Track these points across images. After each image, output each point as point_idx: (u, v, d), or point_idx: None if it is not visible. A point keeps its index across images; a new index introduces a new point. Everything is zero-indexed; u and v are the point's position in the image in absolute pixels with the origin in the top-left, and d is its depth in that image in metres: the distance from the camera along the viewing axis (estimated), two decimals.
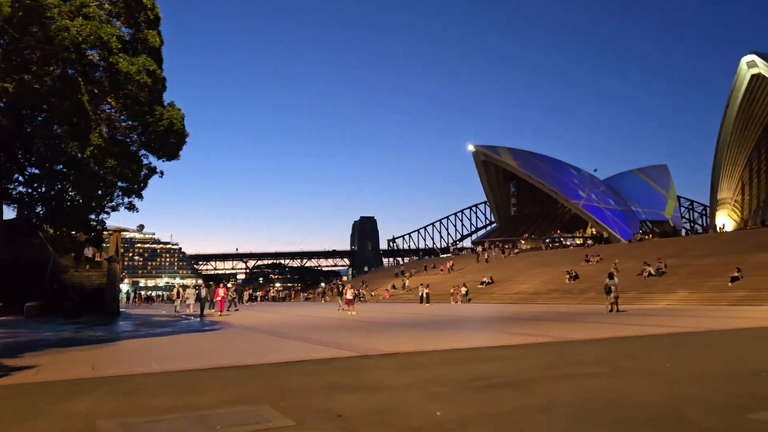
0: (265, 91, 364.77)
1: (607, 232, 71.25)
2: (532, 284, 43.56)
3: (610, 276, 24.49)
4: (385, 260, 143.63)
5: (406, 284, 50.13)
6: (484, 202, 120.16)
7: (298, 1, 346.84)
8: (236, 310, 34.67)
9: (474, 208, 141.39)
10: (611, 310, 23.50)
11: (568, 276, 40.95)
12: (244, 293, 59.14)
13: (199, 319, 27.06)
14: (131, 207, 18.97)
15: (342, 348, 12.19)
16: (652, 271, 35.74)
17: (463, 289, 43.15)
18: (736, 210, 76.91)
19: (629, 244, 53.80)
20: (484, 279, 48.54)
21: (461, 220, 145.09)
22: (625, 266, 40.12)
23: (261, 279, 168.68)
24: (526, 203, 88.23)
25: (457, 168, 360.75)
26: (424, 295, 43.18)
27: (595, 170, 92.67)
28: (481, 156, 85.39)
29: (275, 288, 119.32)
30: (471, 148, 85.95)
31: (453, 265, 61.38)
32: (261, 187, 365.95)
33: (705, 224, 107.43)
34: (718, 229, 69.07)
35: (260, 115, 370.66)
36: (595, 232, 77.67)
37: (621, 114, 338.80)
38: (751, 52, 68.19)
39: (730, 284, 29.90)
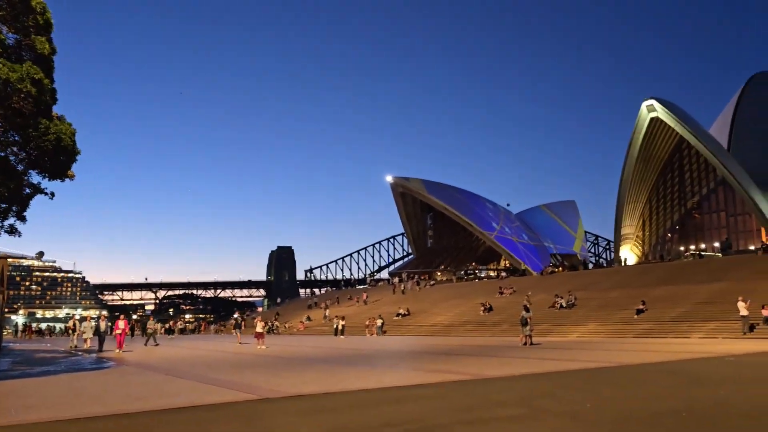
0: (178, 114, 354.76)
1: (520, 264, 73.02)
2: (448, 316, 43.47)
3: (526, 308, 24.49)
4: (302, 291, 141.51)
5: (327, 314, 49.04)
6: (402, 234, 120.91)
7: (205, 29, 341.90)
8: (156, 344, 32.10)
9: (392, 240, 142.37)
10: (525, 343, 23.41)
11: (482, 308, 41.12)
12: (151, 325, 55.49)
13: (95, 355, 24.75)
14: (12, 231, 17.04)
15: (242, 390, 11.04)
16: (564, 304, 36.43)
17: (379, 321, 42.44)
18: (638, 245, 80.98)
19: (541, 277, 55.16)
20: (400, 311, 48.07)
21: (379, 252, 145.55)
22: (538, 298, 40.78)
23: (171, 310, 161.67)
24: (443, 235, 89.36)
25: (376, 199, 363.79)
26: (339, 328, 42.12)
27: (508, 204, 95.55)
28: (399, 187, 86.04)
29: (185, 319, 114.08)
30: (389, 179, 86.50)
31: (368, 296, 60.69)
32: (173, 215, 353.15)
33: (609, 258, 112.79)
34: (621, 263, 72.30)
35: (172, 138, 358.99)
36: (508, 265, 79.43)
37: (534, 152, 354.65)
38: (651, 97, 72.82)
39: (635, 316, 30.78)
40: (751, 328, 24.79)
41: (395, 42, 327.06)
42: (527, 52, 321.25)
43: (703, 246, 73.51)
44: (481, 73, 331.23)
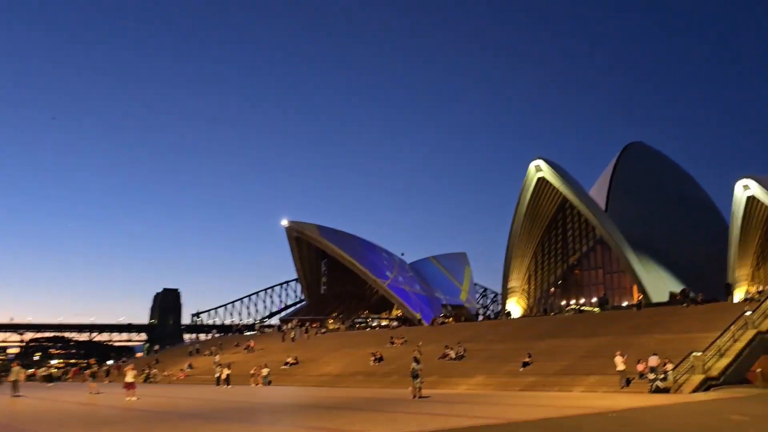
0: (56, 141, 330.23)
1: (411, 314, 73.37)
2: (337, 366, 42.32)
3: (416, 360, 24.07)
4: (187, 336, 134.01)
5: (217, 360, 46.35)
6: (296, 279, 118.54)
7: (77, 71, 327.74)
8: (17, 395, 28.30)
9: (285, 285, 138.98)
10: (415, 396, 22.87)
11: (373, 358, 40.38)
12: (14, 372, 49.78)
13: None
14: None
15: None
16: (453, 355, 36.47)
17: (265, 371, 40.51)
18: (524, 298, 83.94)
19: (431, 327, 55.43)
20: (289, 359, 46.32)
21: (271, 297, 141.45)
22: (428, 349, 40.64)
23: (39, 354, 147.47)
24: (337, 282, 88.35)
25: (270, 242, 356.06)
26: (222, 377, 39.83)
27: (402, 254, 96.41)
28: (294, 232, 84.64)
29: (50, 365, 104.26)
30: (284, 223, 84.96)
31: (255, 343, 58.31)
32: (46, 252, 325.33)
33: (496, 310, 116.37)
34: (508, 316, 74.48)
35: (40, 167, 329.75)
36: (401, 314, 79.59)
37: (428, 204, 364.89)
38: (539, 158, 76.71)
39: (521, 369, 31.23)
40: (628, 382, 25.73)
41: (289, 85, 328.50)
42: (420, 101, 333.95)
43: (582, 301, 77.33)
44: (375, 121, 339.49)
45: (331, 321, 76.67)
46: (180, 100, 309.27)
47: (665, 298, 66.81)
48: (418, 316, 72.39)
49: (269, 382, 39.94)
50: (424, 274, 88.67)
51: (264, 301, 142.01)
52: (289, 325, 71.98)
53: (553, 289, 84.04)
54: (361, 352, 44.24)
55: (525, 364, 31.58)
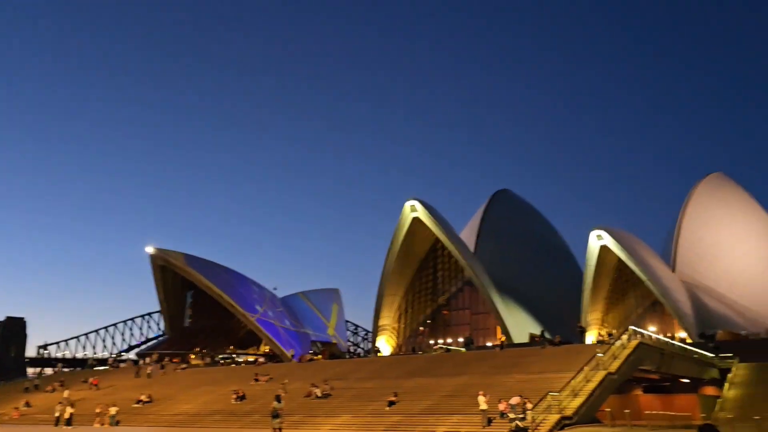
0: None
1: (280, 350, 71.17)
2: (195, 404, 39.55)
3: (278, 399, 22.79)
4: (31, 370, 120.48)
5: (66, 396, 41.57)
6: (160, 311, 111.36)
7: None
8: None
9: (147, 317, 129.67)
10: None
11: (234, 396, 38.16)
12: None
13: None
14: None
15: None
16: (319, 393, 35.30)
17: (113, 409, 36.94)
18: (394, 336, 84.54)
19: (299, 364, 53.74)
20: (142, 397, 42.66)
21: (131, 329, 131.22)
22: (294, 387, 39.14)
23: None
24: (203, 315, 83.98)
25: (132, 271, 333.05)
26: (63, 416, 35.87)
27: (275, 288, 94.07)
28: (159, 260, 79.72)
29: None
30: (149, 250, 79.82)
31: (105, 379, 53.49)
32: None
33: (367, 348, 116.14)
34: (378, 354, 74.43)
35: None
36: (269, 350, 76.93)
37: (305, 239, 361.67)
38: (414, 198, 78.63)
39: (387, 408, 30.74)
40: (489, 421, 26.02)
41: (154, 108, 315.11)
42: (296, 138, 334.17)
43: (450, 341, 79.14)
44: (254, 153, 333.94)
45: (193, 356, 72.36)
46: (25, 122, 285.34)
47: (526, 339, 70.18)
48: (291, 353, 70.29)
49: (117, 423, 36.50)
50: (294, 309, 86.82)
51: (123, 334, 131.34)
52: (147, 359, 66.95)
53: (422, 328, 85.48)
54: (223, 389, 41.80)
55: (391, 403, 31.13)
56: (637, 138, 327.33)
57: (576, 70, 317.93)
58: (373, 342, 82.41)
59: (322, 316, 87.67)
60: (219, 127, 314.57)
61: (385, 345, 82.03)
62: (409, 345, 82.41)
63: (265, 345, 78.00)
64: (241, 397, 37.94)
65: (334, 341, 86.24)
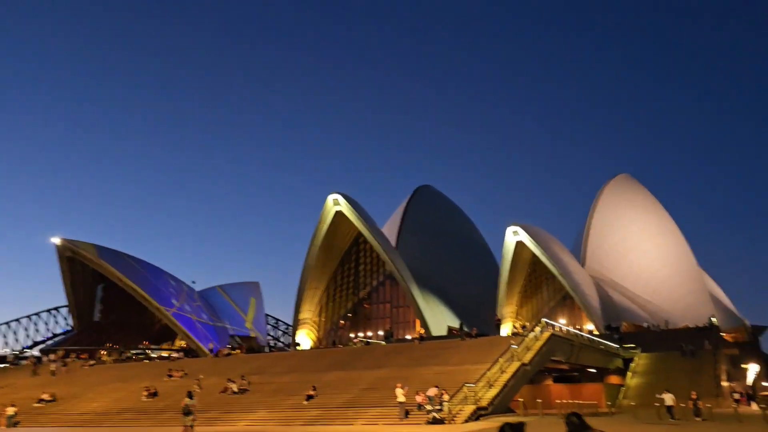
0: None
1: (196, 345, 69.10)
2: (104, 402, 37.71)
3: (189, 395, 22.03)
4: None
5: None
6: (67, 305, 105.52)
7: None
8: None
9: (54, 311, 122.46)
10: None
11: (146, 392, 36.69)
12: None
13: None
14: None
15: None
16: (235, 389, 34.52)
17: (11, 410, 34.55)
18: (314, 330, 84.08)
19: (216, 359, 52.33)
20: (44, 396, 40.23)
21: (36, 324, 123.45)
22: (210, 382, 38.14)
23: None
24: (115, 309, 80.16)
25: (38, 262, 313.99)
26: None
27: (194, 282, 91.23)
28: (67, 251, 75.35)
29: None
30: (56, 241, 75.32)
31: (2, 378, 50.10)
32: None
33: (288, 342, 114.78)
34: (297, 347, 73.76)
35: None
36: (185, 345, 74.56)
37: (226, 231, 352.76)
38: (337, 192, 78.37)
39: (305, 402, 30.46)
40: (407, 413, 26.28)
41: (63, 97, 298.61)
42: (219, 127, 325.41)
43: (370, 334, 79.53)
44: (164, 144, 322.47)
45: (103, 352, 68.98)
46: None
47: (444, 332, 71.55)
48: (211, 346, 68.24)
49: (16, 424, 34.13)
50: (212, 303, 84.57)
51: (27, 330, 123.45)
52: (51, 356, 63.22)
53: (343, 322, 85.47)
54: (134, 386, 40.09)
55: (309, 397, 30.87)
56: (552, 140, 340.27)
57: (494, 70, 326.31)
58: (293, 336, 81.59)
59: (240, 311, 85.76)
60: (133, 111, 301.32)
61: (306, 339, 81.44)
62: (330, 338, 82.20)
63: (181, 340, 75.55)
64: (153, 394, 36.55)
65: (254, 335, 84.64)
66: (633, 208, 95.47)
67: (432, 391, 26.16)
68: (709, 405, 31.85)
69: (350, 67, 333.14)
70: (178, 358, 55.97)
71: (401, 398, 26.17)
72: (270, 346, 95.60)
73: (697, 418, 27.31)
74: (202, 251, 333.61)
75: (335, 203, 78.07)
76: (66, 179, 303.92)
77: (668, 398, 29.22)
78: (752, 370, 57.59)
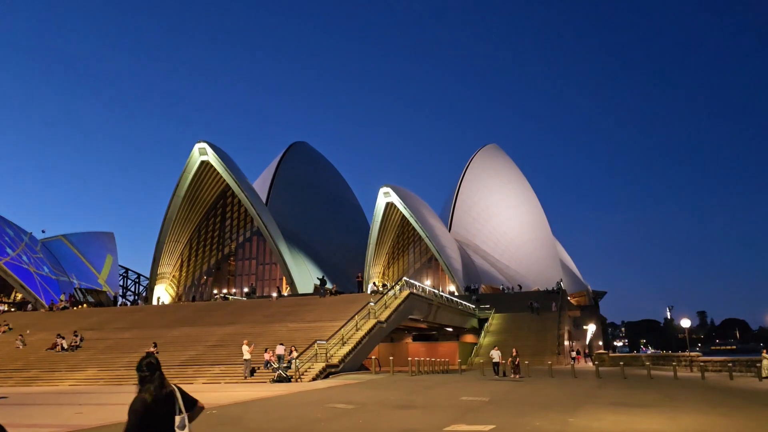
0: None
1: (34, 298, 62.55)
2: None
3: None
4: None
5: None
6: None
7: None
8: None
9: None
10: None
11: None
12: None
13: None
14: None
15: None
16: (65, 345, 31.06)
17: None
18: (174, 285, 79.71)
19: (51, 313, 47.21)
20: None
21: None
22: (38, 338, 34.20)
23: None
24: None
25: None
26: None
27: (44, 231, 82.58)
28: None
29: None
30: None
31: None
32: None
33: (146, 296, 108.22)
34: (155, 302, 69.40)
35: None
36: (21, 298, 67.38)
37: (80, 179, 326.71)
38: (203, 141, 73.67)
39: None
40: (253, 371, 24.76)
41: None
42: (86, 76, 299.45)
43: (234, 290, 76.76)
44: (19, 77, 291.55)
45: None
46: None
47: (311, 290, 70.48)
48: (63, 300, 61.89)
49: None
50: (57, 254, 77.06)
51: None
52: None
53: (205, 278, 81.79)
54: None
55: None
56: (428, 108, 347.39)
57: (375, 40, 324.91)
58: (150, 290, 76.77)
59: (87, 262, 78.96)
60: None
61: (165, 294, 77.01)
62: (191, 294, 78.44)
63: (17, 292, 68.22)
64: None
65: (103, 289, 78.51)
66: (498, 177, 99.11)
67: (279, 349, 24.78)
68: (550, 362, 33.33)
69: (229, 9, 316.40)
70: (3, 312, 50.06)
71: (247, 355, 24.55)
72: (127, 301, 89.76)
73: (514, 375, 27.40)
74: (54, 199, 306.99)
75: (201, 152, 73.48)
76: None
77: (496, 355, 29.61)
78: (590, 330, 62.13)
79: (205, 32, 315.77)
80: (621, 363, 34.33)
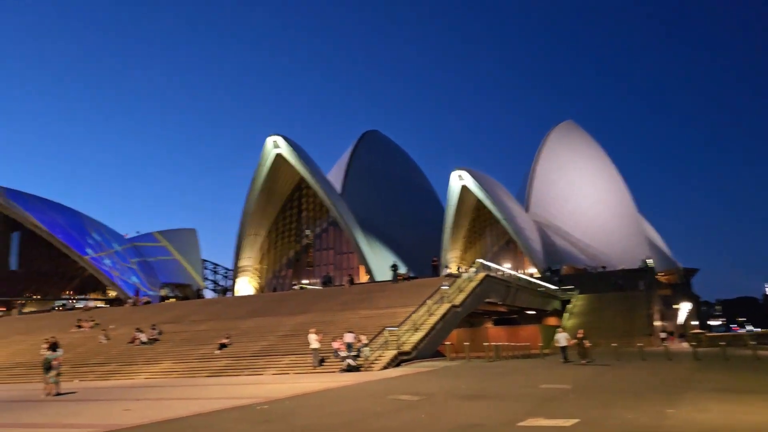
0: None
1: (124, 294, 65.34)
2: (1, 356, 34.33)
3: (53, 347, 19.08)
4: None
5: None
6: None
7: None
8: None
9: None
10: (49, 393, 17.97)
11: (46, 345, 33.31)
12: None
13: None
14: None
15: None
16: (144, 339, 31.61)
17: None
18: (256, 277, 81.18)
19: (134, 308, 48.47)
20: None
21: None
22: (121, 332, 35.09)
23: None
24: (35, 258, 74.89)
25: None
26: None
27: (138, 232, 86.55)
28: None
29: None
30: None
31: None
32: None
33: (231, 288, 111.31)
34: (235, 295, 70.88)
35: None
36: (113, 295, 70.67)
37: (163, 178, 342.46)
38: (276, 134, 74.30)
39: (217, 352, 27.86)
40: (321, 361, 24.03)
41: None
42: (155, 68, 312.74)
43: (311, 281, 77.27)
44: (107, 90, 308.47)
45: (22, 302, 64.63)
46: None
47: (389, 277, 69.78)
48: (147, 299, 64.34)
49: None
50: (145, 251, 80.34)
51: None
52: None
53: (285, 269, 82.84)
54: (38, 338, 36.54)
55: (222, 346, 28.29)
56: (499, 87, 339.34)
57: (441, 18, 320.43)
58: (233, 283, 78.62)
59: (180, 257, 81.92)
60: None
61: (248, 286, 78.61)
62: (272, 286, 79.62)
63: (110, 289, 71.60)
64: (54, 347, 33.22)
65: (190, 283, 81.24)
66: (576, 154, 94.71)
67: (348, 337, 23.88)
68: (640, 344, 30.85)
69: (296, 9, 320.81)
70: (91, 308, 52.12)
71: (315, 344, 23.83)
72: (215, 293, 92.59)
73: (583, 361, 25.05)
74: (139, 198, 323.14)
75: (275, 145, 74.13)
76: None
77: (562, 338, 26.88)
78: (683, 309, 57.94)
79: (275, 27, 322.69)
80: (722, 343, 31.31)
